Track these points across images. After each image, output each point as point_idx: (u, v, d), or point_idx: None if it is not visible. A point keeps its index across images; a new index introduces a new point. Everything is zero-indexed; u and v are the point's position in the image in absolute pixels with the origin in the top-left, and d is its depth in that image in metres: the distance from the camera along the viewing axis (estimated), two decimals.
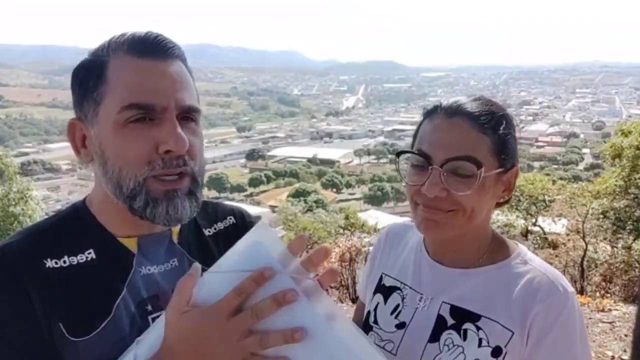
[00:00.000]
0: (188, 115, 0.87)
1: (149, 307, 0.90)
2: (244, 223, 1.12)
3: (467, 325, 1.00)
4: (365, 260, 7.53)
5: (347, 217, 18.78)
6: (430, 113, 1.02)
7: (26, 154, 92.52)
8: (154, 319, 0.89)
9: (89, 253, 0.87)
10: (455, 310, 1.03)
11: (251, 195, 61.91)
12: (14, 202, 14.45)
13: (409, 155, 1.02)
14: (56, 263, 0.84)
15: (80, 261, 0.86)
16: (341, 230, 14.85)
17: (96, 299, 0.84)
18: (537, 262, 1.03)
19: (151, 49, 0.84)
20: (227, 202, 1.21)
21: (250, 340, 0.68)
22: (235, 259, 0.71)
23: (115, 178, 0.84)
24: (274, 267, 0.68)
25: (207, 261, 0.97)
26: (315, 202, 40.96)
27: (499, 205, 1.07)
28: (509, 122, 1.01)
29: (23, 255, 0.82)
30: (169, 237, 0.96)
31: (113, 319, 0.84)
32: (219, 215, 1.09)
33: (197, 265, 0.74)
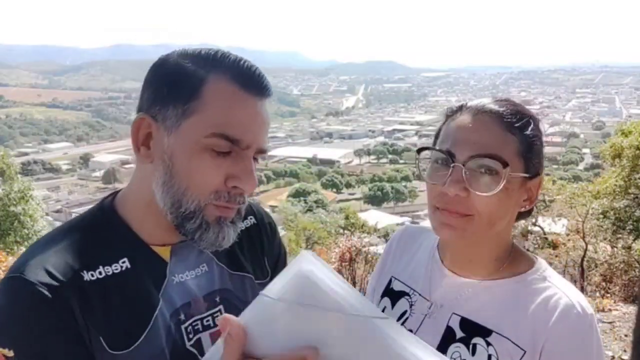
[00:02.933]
0: (258, 155, 0.88)
1: (182, 317, 0.89)
2: (263, 223, 1.11)
3: (477, 340, 0.96)
4: (365, 261, 7.56)
5: (347, 217, 18.81)
6: (455, 112, 0.98)
7: (26, 154, 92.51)
8: (186, 329, 0.89)
9: (124, 262, 0.86)
10: (465, 323, 0.98)
11: (251, 195, 61.62)
12: (14, 202, 14.47)
13: (430, 153, 0.98)
14: (92, 275, 0.82)
15: (116, 271, 0.84)
16: (341, 230, 14.87)
17: (134, 311, 0.84)
18: (556, 279, 0.98)
19: (254, 84, 0.84)
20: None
21: None
22: (284, 289, 0.68)
23: (177, 194, 0.83)
24: (336, 309, 0.64)
25: (233, 262, 1.00)
26: (315, 202, 41.01)
27: (520, 216, 1.02)
28: (537, 126, 0.96)
29: (65, 269, 0.80)
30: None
31: (151, 331, 0.84)
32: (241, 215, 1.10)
33: (226, 317, 0.65)
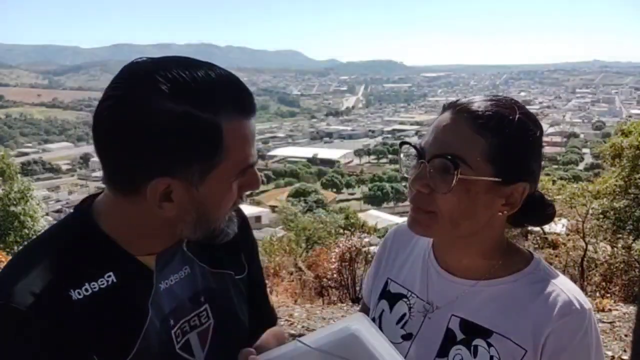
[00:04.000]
0: None
1: (171, 322, 0.90)
2: (241, 224, 1.08)
3: (478, 341, 0.95)
4: (365, 261, 7.56)
5: (347, 217, 18.82)
6: (444, 109, 0.98)
7: (26, 154, 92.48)
8: (175, 333, 0.90)
9: (109, 276, 0.84)
10: (465, 325, 0.98)
11: (251, 195, 61.86)
12: (14, 202, 14.48)
13: (410, 147, 0.99)
14: (79, 294, 0.80)
15: (102, 286, 0.83)
16: (341, 230, 14.85)
17: (126, 324, 0.83)
18: (554, 276, 0.98)
19: (249, 104, 0.83)
20: None
21: None
22: (326, 340, 0.65)
23: (209, 224, 0.87)
24: None
25: (213, 260, 1.01)
26: (315, 202, 41.03)
27: (525, 220, 1.03)
28: (520, 127, 0.92)
29: (53, 292, 0.79)
30: (181, 246, 0.96)
31: (143, 342, 0.84)
32: None
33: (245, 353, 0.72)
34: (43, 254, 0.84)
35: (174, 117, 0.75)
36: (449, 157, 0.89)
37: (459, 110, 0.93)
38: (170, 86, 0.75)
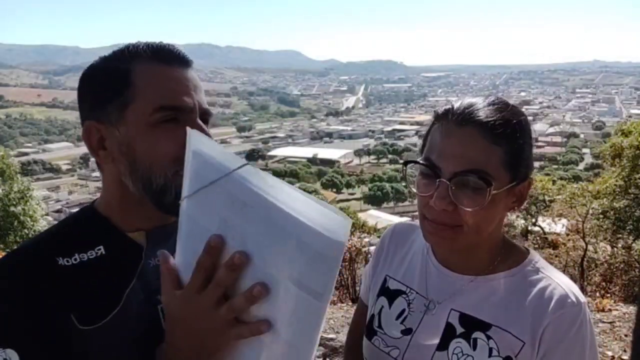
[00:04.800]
0: (204, 117, 0.94)
1: (159, 297, 0.89)
2: None
3: (477, 334, 0.97)
4: (365, 261, 7.55)
5: None
6: (441, 117, 0.96)
7: (26, 154, 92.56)
8: (162, 309, 0.91)
9: (99, 249, 0.90)
10: (464, 319, 1.00)
11: None
12: (14, 202, 14.47)
13: (416, 165, 0.97)
14: (67, 261, 0.86)
15: (91, 257, 0.89)
16: None
17: (106, 290, 0.88)
18: (549, 270, 1.00)
19: (174, 57, 0.91)
20: None
21: (223, 309, 0.70)
22: (190, 180, 0.71)
23: (145, 175, 0.89)
24: (221, 171, 0.66)
25: None
26: None
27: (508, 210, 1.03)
28: (525, 129, 0.94)
29: (36, 255, 0.86)
30: (176, 228, 0.95)
31: (123, 308, 0.87)
32: None
33: (163, 252, 0.77)
34: (47, 231, 0.94)
35: (96, 71, 0.92)
36: (478, 174, 0.89)
37: (465, 120, 0.91)
38: (107, 55, 0.93)
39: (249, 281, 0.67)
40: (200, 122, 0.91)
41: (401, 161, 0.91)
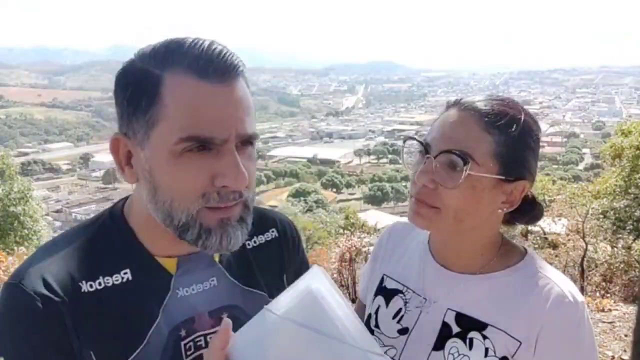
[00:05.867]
0: (248, 141, 0.80)
1: (182, 333, 0.85)
2: (286, 237, 1.06)
3: (473, 334, 0.97)
4: (365, 261, 7.55)
5: (347, 217, 18.79)
6: (449, 107, 1.00)
7: (26, 154, 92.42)
8: (185, 345, 0.85)
9: (125, 273, 0.82)
10: (461, 318, 0.99)
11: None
12: (14, 202, 14.46)
13: (413, 142, 1.00)
14: (91, 286, 0.79)
15: (116, 282, 0.81)
16: (341, 230, 14.85)
17: (130, 326, 0.80)
18: (547, 270, 0.99)
19: (215, 69, 0.74)
20: (271, 210, 1.16)
21: None
22: (294, 305, 0.67)
23: (166, 209, 0.78)
24: (338, 337, 0.64)
25: (247, 277, 0.94)
26: (315, 202, 40.98)
27: (517, 220, 1.05)
28: (524, 127, 0.94)
29: (63, 280, 0.78)
30: (211, 255, 0.91)
31: (146, 348, 0.81)
32: (262, 227, 1.02)
33: (227, 321, 0.72)
34: (68, 242, 0.84)
35: (129, 73, 0.78)
36: (458, 152, 0.90)
37: (466, 107, 0.95)
38: (144, 49, 0.78)
39: None
40: (236, 153, 0.76)
41: (401, 161, 0.96)
